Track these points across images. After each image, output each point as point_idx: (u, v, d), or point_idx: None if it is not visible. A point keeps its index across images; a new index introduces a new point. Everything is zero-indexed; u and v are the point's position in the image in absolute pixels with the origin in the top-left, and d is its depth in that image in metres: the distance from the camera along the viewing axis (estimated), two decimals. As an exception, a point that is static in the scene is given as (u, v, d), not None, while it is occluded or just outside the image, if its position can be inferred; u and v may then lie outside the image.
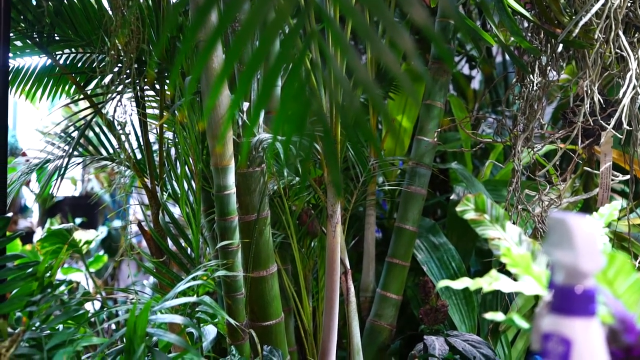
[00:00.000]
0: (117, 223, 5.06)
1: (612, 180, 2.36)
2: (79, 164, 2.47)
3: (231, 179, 2.03)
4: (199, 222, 2.10)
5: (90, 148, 2.54)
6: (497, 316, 1.47)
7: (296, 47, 0.97)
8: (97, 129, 2.52)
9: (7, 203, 1.99)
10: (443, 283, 1.51)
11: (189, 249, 2.16)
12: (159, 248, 2.25)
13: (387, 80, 2.70)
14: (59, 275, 3.79)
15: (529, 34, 2.35)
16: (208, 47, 0.99)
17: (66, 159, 2.24)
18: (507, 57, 3.52)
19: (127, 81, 2.18)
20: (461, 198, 3.00)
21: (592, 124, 2.15)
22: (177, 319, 1.73)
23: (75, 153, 2.47)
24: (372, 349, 2.50)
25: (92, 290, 3.58)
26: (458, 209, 1.70)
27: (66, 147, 2.48)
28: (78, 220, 5.09)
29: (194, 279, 1.91)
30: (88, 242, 3.04)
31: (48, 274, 1.89)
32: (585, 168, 2.42)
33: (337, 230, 2.13)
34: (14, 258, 1.91)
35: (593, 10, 1.97)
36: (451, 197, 2.86)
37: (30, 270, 1.88)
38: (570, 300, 0.95)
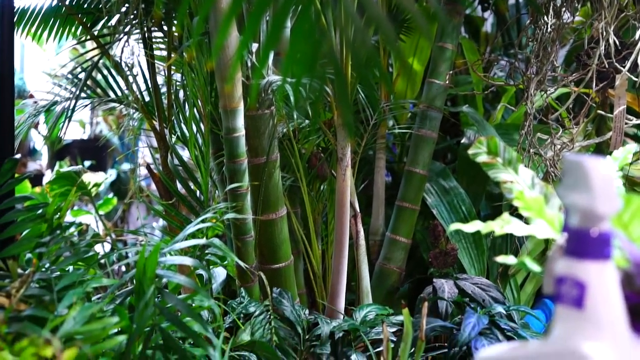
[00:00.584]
0: (126, 166, 5.05)
1: (626, 123, 2.33)
2: (86, 106, 2.45)
3: (240, 122, 2.01)
4: (208, 164, 2.09)
5: (99, 90, 2.51)
6: (509, 259, 1.46)
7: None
8: (105, 71, 2.49)
9: (15, 145, 1.98)
10: (454, 226, 1.49)
11: (198, 192, 2.16)
12: (168, 191, 2.25)
13: (399, 21, 2.65)
14: (69, 218, 3.80)
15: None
16: None
17: (73, 101, 2.22)
18: (520, -2, 3.45)
19: (134, 22, 2.15)
20: (472, 142, 2.97)
21: (606, 66, 2.11)
22: (187, 260, 1.73)
23: (83, 95, 2.45)
24: (381, 292, 2.50)
25: (102, 233, 3.59)
26: (470, 151, 1.67)
27: (73, 89, 2.46)
28: (87, 163, 5.08)
29: (203, 221, 1.90)
30: (97, 185, 3.03)
31: (57, 216, 1.89)
32: (599, 111, 2.39)
33: (346, 173, 2.12)
34: (23, 200, 1.90)
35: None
36: (462, 141, 2.84)
37: (39, 212, 1.88)
38: (585, 243, 0.94)
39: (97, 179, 3.11)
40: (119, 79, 2.47)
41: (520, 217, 1.39)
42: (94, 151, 5.20)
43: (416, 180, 2.49)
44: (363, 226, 2.60)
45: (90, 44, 2.69)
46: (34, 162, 5.58)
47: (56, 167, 4.58)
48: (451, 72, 2.53)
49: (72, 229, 1.93)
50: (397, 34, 2.72)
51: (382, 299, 2.47)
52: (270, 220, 2.19)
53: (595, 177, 0.92)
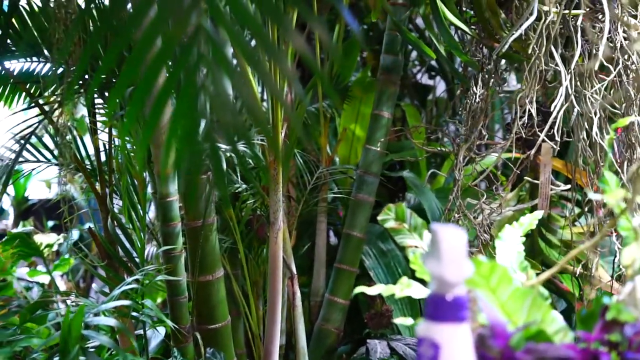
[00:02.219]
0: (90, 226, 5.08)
1: (552, 189, 2.42)
2: (33, 169, 2.53)
3: (173, 187, 2.09)
4: (144, 227, 2.16)
5: (47, 153, 2.59)
6: (407, 321, 1.54)
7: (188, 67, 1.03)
8: (54, 134, 2.57)
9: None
10: (359, 289, 1.58)
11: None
12: (108, 253, 2.31)
13: (341, 89, 2.76)
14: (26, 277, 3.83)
15: (473, 47, 2.42)
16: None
17: (11, 164, 2.30)
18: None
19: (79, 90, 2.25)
20: (412, 205, 3.07)
21: (523, 135, 2.21)
22: (111, 321, 1.79)
23: (32, 158, 2.53)
24: (320, 352, 2.56)
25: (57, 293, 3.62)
26: (379, 217, 1.77)
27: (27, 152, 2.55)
28: (50, 223, 5.12)
29: (135, 281, 1.98)
30: (49, 246, 3.10)
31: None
32: (526, 178, 2.48)
33: (278, 236, 2.19)
34: (-41, 261, 1.97)
35: (524, 27, 2.03)
36: (403, 204, 2.92)
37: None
38: (441, 307, 1.01)
39: (49, 240, 3.18)
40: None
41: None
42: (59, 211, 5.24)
43: (354, 243, 2.57)
44: (306, 288, 2.67)
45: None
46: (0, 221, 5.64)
47: (20, 227, 4.62)
48: (394, 137, 2.64)
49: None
50: (341, 102, 2.83)
51: (320, 358, 2.53)
52: (207, 281, 2.25)
53: (444, 246, 0.99)
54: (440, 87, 3.86)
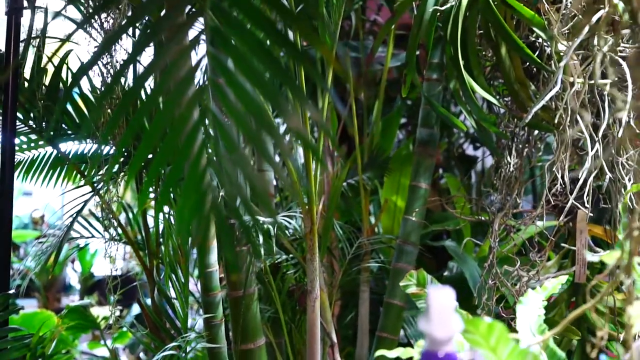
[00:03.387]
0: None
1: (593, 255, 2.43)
2: (85, 245, 2.66)
3: (214, 258, 2.19)
4: (187, 297, 2.25)
5: (101, 229, 2.73)
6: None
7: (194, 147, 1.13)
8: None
9: (9, 281, 2.17)
10: (380, 352, 1.63)
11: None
12: (154, 322, 2.41)
13: (380, 163, 2.84)
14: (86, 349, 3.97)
15: (506, 118, 2.48)
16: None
17: (60, 239, 2.43)
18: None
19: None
20: (453, 274, 3.10)
21: (551, 202, 2.25)
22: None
23: (88, 234, 2.67)
24: (363, 421, 2.59)
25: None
26: (401, 283, 1.82)
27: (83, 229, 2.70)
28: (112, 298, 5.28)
29: (177, 348, 2.06)
30: (105, 318, 3.23)
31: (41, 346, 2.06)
32: (564, 245, 2.50)
33: (316, 304, 2.25)
34: (11, 331, 2.09)
35: (547, 98, 2.09)
36: (444, 274, 2.96)
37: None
38: (433, 364, 1.07)
39: (106, 313, 3.30)
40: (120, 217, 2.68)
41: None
42: (123, 286, 5.41)
43: (394, 311, 2.60)
44: (352, 358, 2.71)
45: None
46: (67, 297, 5.86)
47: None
48: (438, 207, 2.70)
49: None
50: (382, 174, 2.91)
51: None
52: (249, 349, 2.32)
53: (433, 305, 1.05)
54: (487, 158, 3.92)
